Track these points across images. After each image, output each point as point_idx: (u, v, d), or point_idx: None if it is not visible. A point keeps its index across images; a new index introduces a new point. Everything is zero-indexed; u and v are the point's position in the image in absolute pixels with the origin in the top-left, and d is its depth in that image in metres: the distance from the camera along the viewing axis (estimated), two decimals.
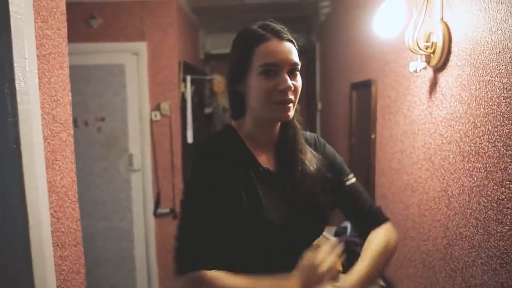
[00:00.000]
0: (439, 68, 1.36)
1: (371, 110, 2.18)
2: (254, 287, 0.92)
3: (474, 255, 1.18)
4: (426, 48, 1.36)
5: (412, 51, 1.39)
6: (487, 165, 1.10)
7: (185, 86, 3.50)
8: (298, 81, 1.00)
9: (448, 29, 1.29)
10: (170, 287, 3.50)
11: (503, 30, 1.01)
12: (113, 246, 3.33)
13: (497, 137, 1.05)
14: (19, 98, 0.94)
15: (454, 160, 1.29)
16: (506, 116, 1.01)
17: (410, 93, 1.65)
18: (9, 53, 0.92)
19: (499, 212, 1.05)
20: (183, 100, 3.50)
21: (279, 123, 1.08)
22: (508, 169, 1.01)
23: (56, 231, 1.15)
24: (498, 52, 1.03)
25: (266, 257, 1.01)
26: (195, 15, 4.14)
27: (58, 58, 1.18)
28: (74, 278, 1.25)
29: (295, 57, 0.98)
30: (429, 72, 1.45)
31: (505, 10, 0.99)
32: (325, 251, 0.96)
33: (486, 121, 1.10)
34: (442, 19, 1.32)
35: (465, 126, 1.21)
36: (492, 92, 1.07)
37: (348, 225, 2.25)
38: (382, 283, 1.90)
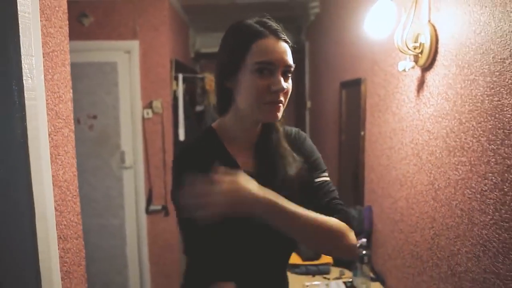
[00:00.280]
0: (427, 67, 1.43)
1: (360, 108, 2.25)
2: None
3: (459, 244, 1.25)
4: (414, 49, 1.42)
5: (401, 51, 1.46)
6: (472, 159, 1.17)
7: (177, 84, 3.53)
8: (290, 84, 0.98)
9: (435, 30, 1.36)
10: (161, 283, 3.53)
11: (486, 32, 1.08)
12: (105, 243, 3.34)
13: (481, 132, 1.12)
14: (26, 94, 0.97)
15: (440, 155, 1.35)
16: (489, 112, 1.07)
17: (398, 92, 1.72)
18: (17, 50, 0.95)
19: (482, 203, 1.12)
20: (175, 98, 3.53)
21: (261, 123, 1.06)
22: (490, 162, 1.08)
23: (59, 224, 1.18)
24: (482, 52, 1.10)
25: (244, 261, 1.02)
26: (185, 14, 4.17)
27: (60, 56, 1.21)
28: (75, 270, 1.29)
29: (290, 58, 0.96)
30: (417, 71, 1.51)
31: (488, 13, 1.06)
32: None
33: (470, 118, 1.17)
34: (429, 21, 1.39)
35: (451, 123, 1.28)
36: (476, 90, 1.14)
37: None
38: (371, 274, 1.97)
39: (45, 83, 1.09)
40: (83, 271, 1.37)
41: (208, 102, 4.05)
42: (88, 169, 3.36)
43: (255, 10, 3.83)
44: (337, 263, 2.14)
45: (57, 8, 1.20)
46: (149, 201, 3.43)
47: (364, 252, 1.90)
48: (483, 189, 1.11)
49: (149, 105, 3.38)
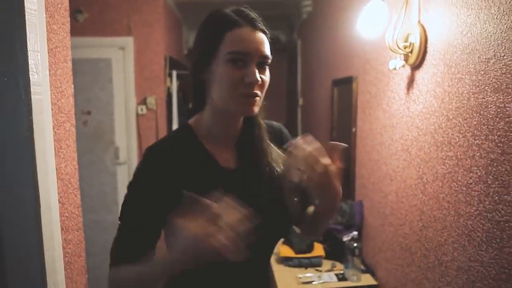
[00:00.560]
0: (416, 66, 1.49)
1: (352, 105, 2.30)
2: (150, 271, 0.83)
3: (446, 235, 1.31)
4: (405, 48, 1.48)
5: (392, 50, 1.51)
6: (458, 153, 1.23)
7: (171, 81, 3.56)
8: (267, 76, 0.92)
9: (425, 31, 1.41)
10: None
11: (472, 33, 1.14)
12: (99, 238, 3.35)
13: (467, 128, 1.18)
14: (32, 89, 1.00)
15: (429, 150, 1.42)
16: (475, 109, 1.14)
17: (389, 89, 1.78)
18: (24, 46, 0.98)
19: (467, 195, 1.18)
20: (169, 94, 3.55)
21: (242, 119, 1.00)
22: (475, 156, 1.14)
23: (61, 216, 1.21)
24: (468, 52, 1.16)
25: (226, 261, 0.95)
26: (179, 11, 4.19)
27: (62, 52, 1.25)
28: (76, 261, 1.32)
29: (266, 49, 0.90)
30: (407, 70, 1.57)
31: (474, 15, 1.12)
32: (228, 203, 0.77)
33: (457, 114, 1.23)
34: (419, 21, 1.45)
35: (439, 119, 1.34)
36: (462, 88, 1.20)
37: None
38: (362, 267, 2.04)
39: (49, 78, 1.13)
40: (84, 262, 1.41)
41: None
42: (82, 164, 3.36)
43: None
44: (329, 255, 2.20)
45: (59, 5, 1.23)
46: None
47: (355, 245, 1.96)
48: (469, 182, 1.17)
49: (143, 102, 3.40)
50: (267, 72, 0.92)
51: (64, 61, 1.26)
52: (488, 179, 1.08)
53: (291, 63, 4.61)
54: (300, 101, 4.30)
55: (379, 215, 1.93)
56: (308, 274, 2.03)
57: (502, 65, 1.01)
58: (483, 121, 1.10)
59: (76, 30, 3.23)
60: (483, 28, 1.09)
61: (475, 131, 1.14)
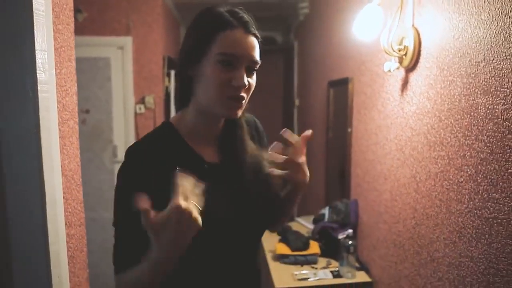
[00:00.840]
0: (410, 68, 1.53)
1: (347, 106, 2.34)
2: (150, 270, 0.83)
3: (438, 232, 1.35)
4: (399, 51, 1.53)
5: (387, 53, 1.56)
6: (450, 153, 1.27)
7: (169, 81, 3.59)
8: (253, 80, 0.93)
9: (419, 34, 1.46)
10: None
11: (464, 37, 1.18)
12: (96, 236, 3.38)
13: (458, 128, 1.22)
14: (39, 87, 1.03)
15: (422, 150, 1.46)
16: (465, 111, 1.18)
17: (384, 91, 1.82)
18: (32, 46, 1.01)
19: (458, 193, 1.23)
20: (167, 94, 3.58)
21: (224, 119, 1.01)
22: (466, 156, 1.18)
23: (65, 211, 1.25)
24: (459, 56, 1.21)
25: (215, 254, 0.96)
26: (177, 11, 4.22)
27: (67, 51, 1.28)
28: (78, 255, 1.36)
29: (256, 54, 0.90)
30: (401, 72, 1.62)
31: (466, 21, 1.17)
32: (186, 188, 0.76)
33: (449, 115, 1.28)
34: (413, 25, 1.49)
35: (432, 120, 1.38)
36: (454, 90, 1.24)
37: (326, 212, 2.42)
38: (356, 264, 2.08)
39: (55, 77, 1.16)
40: (85, 257, 1.44)
41: None
42: (81, 162, 3.40)
43: (246, 9, 3.89)
44: (324, 253, 2.24)
45: (64, 6, 1.26)
46: None
47: (350, 242, 2.00)
48: (460, 180, 1.22)
49: (141, 101, 3.43)
50: (254, 76, 0.93)
51: (68, 60, 1.29)
52: (478, 178, 1.13)
53: (287, 64, 4.65)
54: (297, 102, 4.34)
55: (373, 213, 1.98)
56: (304, 271, 2.07)
57: (491, 68, 1.06)
58: (474, 122, 1.14)
59: (76, 29, 3.24)
60: (474, 32, 1.13)
61: (466, 132, 1.18)
